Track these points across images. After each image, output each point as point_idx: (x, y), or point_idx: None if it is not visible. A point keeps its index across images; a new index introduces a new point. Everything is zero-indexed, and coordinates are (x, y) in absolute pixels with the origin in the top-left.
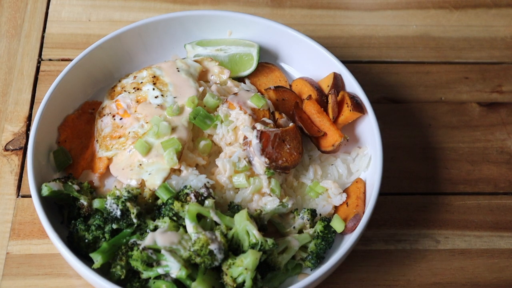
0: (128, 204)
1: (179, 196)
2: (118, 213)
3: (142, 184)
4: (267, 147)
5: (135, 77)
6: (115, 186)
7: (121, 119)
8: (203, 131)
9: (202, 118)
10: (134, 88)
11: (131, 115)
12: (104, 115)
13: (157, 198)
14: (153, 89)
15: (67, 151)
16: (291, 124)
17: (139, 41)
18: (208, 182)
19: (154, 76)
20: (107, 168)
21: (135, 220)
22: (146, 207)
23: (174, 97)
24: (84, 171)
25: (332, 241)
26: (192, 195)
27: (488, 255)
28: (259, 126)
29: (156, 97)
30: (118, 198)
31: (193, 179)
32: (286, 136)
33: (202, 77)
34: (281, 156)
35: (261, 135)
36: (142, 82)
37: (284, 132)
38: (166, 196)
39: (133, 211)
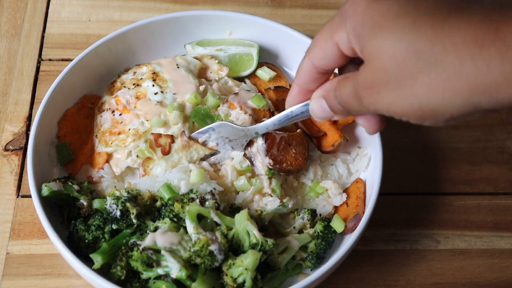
0: (127, 204)
1: (183, 198)
2: (118, 213)
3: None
4: (272, 149)
5: (134, 72)
6: (115, 187)
7: (120, 114)
8: None
9: (202, 117)
10: (133, 84)
11: (130, 111)
12: (104, 111)
13: (155, 200)
14: (153, 85)
15: (68, 147)
16: (298, 130)
17: (139, 41)
18: (214, 189)
19: (154, 73)
20: (106, 163)
21: (134, 221)
22: (145, 209)
23: (174, 94)
24: (83, 166)
25: (332, 241)
26: (197, 201)
27: (488, 255)
28: None
29: (155, 94)
30: (118, 198)
31: (203, 182)
32: (292, 141)
33: (201, 74)
34: (286, 159)
35: (267, 136)
36: (142, 78)
37: (291, 137)
38: (167, 195)
39: (133, 211)
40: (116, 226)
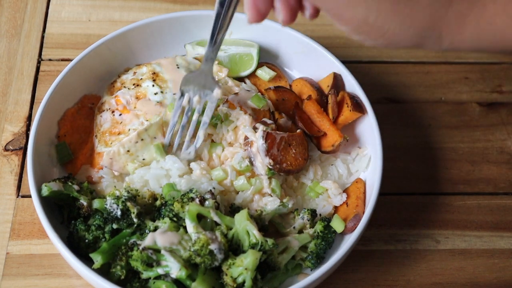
0: (128, 204)
1: (183, 198)
2: (119, 213)
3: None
4: (272, 149)
5: (134, 73)
6: (115, 187)
7: (120, 115)
8: None
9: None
10: (133, 84)
11: (130, 111)
12: (104, 111)
13: (156, 199)
14: (153, 85)
15: (68, 147)
16: (298, 131)
17: (139, 41)
18: (214, 188)
19: (154, 73)
20: None
21: (135, 220)
22: (145, 208)
23: (174, 94)
24: (83, 166)
25: (332, 241)
26: (197, 200)
27: (488, 255)
28: (260, 126)
29: (155, 94)
30: (118, 198)
31: (204, 182)
32: (292, 141)
33: None
34: (286, 159)
35: (267, 136)
36: (141, 79)
37: (291, 137)
38: (167, 190)
39: (134, 210)
40: (117, 225)
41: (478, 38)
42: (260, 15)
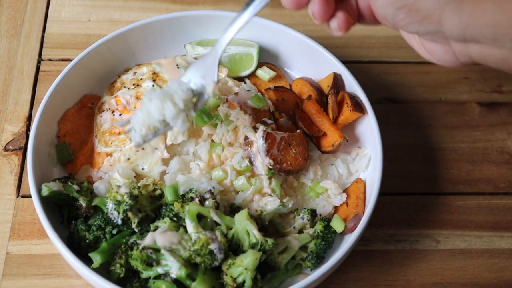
0: (129, 213)
1: (183, 198)
2: (119, 221)
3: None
4: (273, 149)
5: (134, 73)
6: (116, 192)
7: (120, 115)
8: (202, 129)
9: (199, 112)
10: (134, 85)
11: (130, 112)
12: (104, 111)
13: (155, 189)
14: (153, 85)
15: (68, 147)
16: (298, 131)
17: (139, 41)
18: (213, 188)
19: (154, 73)
20: None
21: (136, 230)
22: (148, 201)
23: None
24: (83, 166)
25: (332, 241)
26: (197, 200)
27: (488, 255)
28: (260, 126)
29: None
30: (119, 203)
31: (204, 181)
32: (292, 141)
33: None
34: (286, 159)
35: (267, 136)
36: (142, 79)
37: (291, 137)
38: (171, 197)
39: (135, 220)
40: (117, 230)
41: (498, 11)
42: (299, 5)
